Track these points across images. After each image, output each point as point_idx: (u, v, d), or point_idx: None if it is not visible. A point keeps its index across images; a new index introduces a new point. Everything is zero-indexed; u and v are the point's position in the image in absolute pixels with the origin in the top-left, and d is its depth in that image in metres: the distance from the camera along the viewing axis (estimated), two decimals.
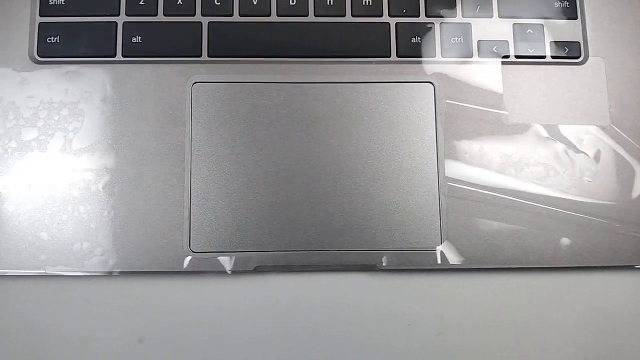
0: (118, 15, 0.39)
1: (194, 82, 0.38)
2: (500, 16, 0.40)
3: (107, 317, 0.37)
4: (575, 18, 0.40)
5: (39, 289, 0.37)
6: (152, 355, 0.36)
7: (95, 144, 0.37)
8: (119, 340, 0.36)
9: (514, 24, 0.40)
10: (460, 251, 0.37)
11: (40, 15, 0.39)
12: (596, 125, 0.39)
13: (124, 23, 0.39)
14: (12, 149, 0.37)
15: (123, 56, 0.38)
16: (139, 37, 0.38)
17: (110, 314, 0.37)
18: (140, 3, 0.39)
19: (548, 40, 0.40)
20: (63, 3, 0.39)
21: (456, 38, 0.39)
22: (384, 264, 0.37)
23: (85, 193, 0.37)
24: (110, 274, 0.36)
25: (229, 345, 0.36)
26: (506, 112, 0.39)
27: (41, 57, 0.38)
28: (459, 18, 0.40)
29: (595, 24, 0.40)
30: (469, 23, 0.40)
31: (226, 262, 0.36)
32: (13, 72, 0.38)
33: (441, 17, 0.40)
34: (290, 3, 0.39)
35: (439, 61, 0.39)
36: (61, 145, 0.37)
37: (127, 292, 0.37)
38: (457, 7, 0.40)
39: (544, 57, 0.39)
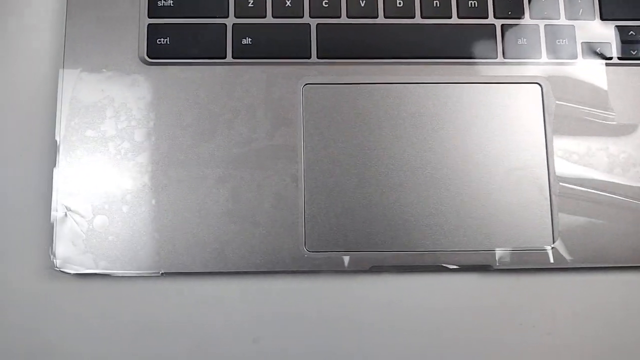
0: (227, 17, 0.39)
1: (304, 83, 0.38)
2: (602, 19, 0.40)
3: (223, 316, 0.37)
4: None
5: (157, 289, 0.37)
6: (266, 355, 0.36)
7: (206, 143, 0.37)
8: (234, 339, 0.36)
9: (616, 26, 0.40)
10: (570, 250, 0.37)
11: (149, 17, 0.39)
12: None
13: (234, 25, 0.39)
14: (125, 149, 0.37)
15: (233, 57, 0.39)
16: (249, 39, 0.39)
17: (226, 313, 0.37)
18: (250, 5, 0.39)
19: None
20: (172, 4, 0.39)
21: (561, 40, 0.40)
22: (497, 264, 0.37)
23: (199, 194, 0.37)
24: (226, 273, 0.37)
25: (345, 343, 0.37)
26: (612, 113, 0.39)
27: (151, 58, 0.38)
28: (562, 20, 0.40)
29: None
30: (573, 25, 0.40)
31: (342, 261, 0.37)
32: (123, 73, 0.38)
33: (545, 19, 0.40)
34: (398, 5, 0.39)
35: (544, 62, 0.39)
36: (173, 143, 0.37)
37: (243, 291, 0.37)
38: (560, 9, 0.40)
39: None
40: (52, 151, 0.37)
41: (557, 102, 0.39)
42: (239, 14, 0.39)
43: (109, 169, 0.37)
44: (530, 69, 0.39)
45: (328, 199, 0.37)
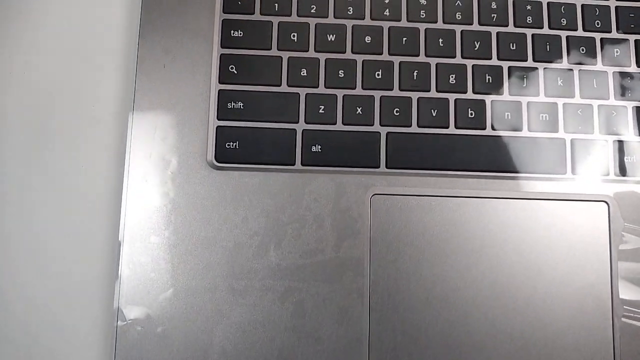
0: (297, 122, 0.38)
1: (372, 194, 0.38)
2: None
3: None
4: None
5: None
6: None
7: (271, 252, 0.37)
8: None
9: None
10: None
11: (219, 119, 0.38)
12: None
13: (304, 131, 0.38)
14: (189, 257, 0.37)
15: (302, 164, 0.38)
16: (319, 147, 0.38)
17: None
18: (320, 111, 0.38)
19: None
20: (242, 107, 0.38)
21: (630, 157, 0.40)
22: None
23: (264, 307, 0.36)
24: None
25: None
26: None
27: (219, 162, 0.38)
28: (631, 136, 0.40)
29: None
30: None
31: None
32: (190, 177, 0.37)
33: (615, 134, 0.40)
34: (469, 115, 0.39)
35: (613, 179, 0.39)
36: (238, 251, 0.37)
37: None
38: (629, 125, 0.40)
39: None
40: (114, 257, 0.36)
41: (626, 224, 0.38)
42: (310, 120, 0.38)
43: (172, 277, 0.36)
44: (598, 186, 0.39)
45: (394, 317, 0.37)
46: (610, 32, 0.41)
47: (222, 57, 0.39)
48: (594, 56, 0.40)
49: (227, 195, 0.37)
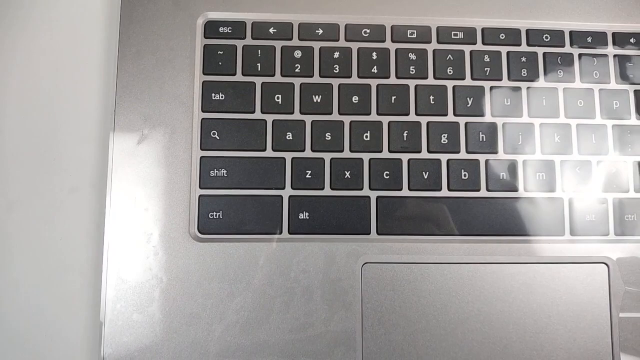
0: (283, 188, 0.37)
1: (363, 262, 0.36)
2: None
3: None
4: None
5: None
6: None
7: (258, 328, 0.35)
8: None
9: None
10: None
11: (201, 188, 0.36)
12: None
13: (290, 197, 0.37)
14: (174, 335, 0.35)
15: (289, 233, 0.36)
16: (306, 214, 0.36)
17: None
18: (307, 176, 0.37)
19: None
20: (225, 174, 0.37)
21: (630, 215, 0.38)
22: None
23: None
24: None
25: None
26: None
27: (202, 233, 0.36)
28: (631, 193, 0.38)
29: None
30: None
31: None
32: (173, 250, 0.36)
33: (614, 192, 0.38)
34: (463, 177, 0.37)
35: (613, 239, 0.38)
36: (225, 327, 0.35)
37: None
38: (630, 181, 0.38)
39: None
40: (96, 335, 0.35)
41: (626, 287, 0.37)
42: (296, 186, 0.37)
43: (156, 356, 0.35)
44: (597, 247, 0.38)
45: None
46: (608, 83, 0.39)
47: (203, 122, 0.37)
48: (592, 109, 0.39)
49: (212, 268, 0.36)
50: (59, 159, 0.38)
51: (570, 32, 0.39)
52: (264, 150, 0.37)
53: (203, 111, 0.37)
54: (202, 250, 0.36)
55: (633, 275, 0.37)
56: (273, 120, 0.37)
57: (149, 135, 0.36)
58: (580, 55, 0.39)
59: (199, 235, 0.36)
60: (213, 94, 0.37)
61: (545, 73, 0.39)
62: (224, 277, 0.36)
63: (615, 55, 0.39)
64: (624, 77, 0.39)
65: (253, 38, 0.38)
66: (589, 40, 0.39)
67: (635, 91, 0.39)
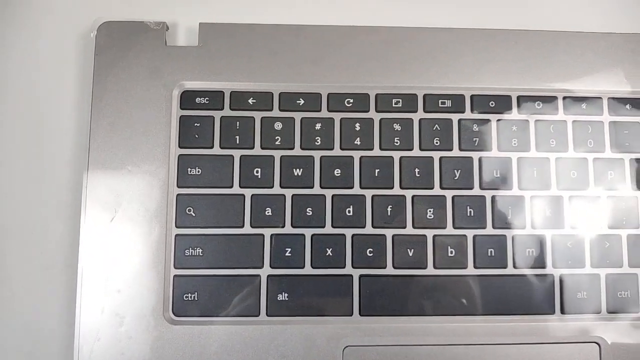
0: (262, 267, 0.35)
1: (345, 346, 0.35)
2: None
3: None
4: None
5: None
6: None
7: None
8: None
9: None
10: None
11: (175, 268, 0.35)
12: None
13: (269, 277, 0.35)
14: None
15: (267, 315, 0.35)
16: (285, 294, 0.35)
17: None
18: (287, 254, 0.35)
19: None
20: (201, 253, 0.35)
21: (623, 292, 0.37)
22: None
23: None
24: None
25: None
26: None
27: (177, 316, 0.35)
28: (625, 268, 0.37)
29: None
30: (636, 274, 0.37)
31: None
32: (146, 333, 0.34)
33: (607, 267, 0.37)
34: (449, 254, 0.36)
35: (605, 317, 0.36)
36: None
37: None
38: (623, 258, 0.37)
39: None
40: None
41: None
42: (275, 264, 0.35)
43: None
44: (589, 326, 0.36)
45: None
46: (603, 151, 0.38)
47: (179, 198, 0.35)
48: (586, 181, 0.37)
49: (187, 353, 0.34)
50: (32, 235, 0.36)
51: (564, 98, 0.38)
52: (242, 226, 0.35)
53: (179, 187, 0.36)
54: (177, 333, 0.35)
55: (626, 355, 0.36)
56: (252, 195, 0.36)
57: (122, 212, 0.35)
58: (573, 124, 0.38)
59: (174, 317, 0.35)
60: (189, 169, 0.36)
61: (536, 143, 0.37)
62: None
63: (609, 123, 0.38)
64: (617, 145, 0.38)
65: (231, 109, 0.36)
66: (583, 107, 0.38)
67: (631, 159, 0.38)
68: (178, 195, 0.35)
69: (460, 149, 0.37)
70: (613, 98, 0.38)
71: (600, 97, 0.38)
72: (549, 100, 0.38)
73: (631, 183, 0.37)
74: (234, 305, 0.35)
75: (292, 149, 0.36)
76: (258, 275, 0.35)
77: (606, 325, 0.36)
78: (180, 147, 0.36)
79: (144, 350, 0.34)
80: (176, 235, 0.35)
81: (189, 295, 0.35)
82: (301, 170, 0.36)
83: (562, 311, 0.36)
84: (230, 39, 0.37)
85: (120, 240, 0.35)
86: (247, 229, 0.35)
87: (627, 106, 0.38)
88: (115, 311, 0.34)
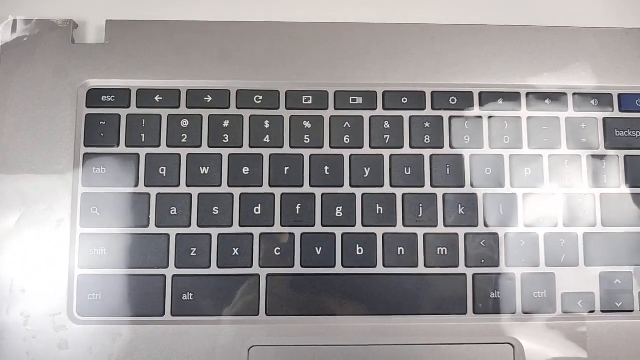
0: (167, 267, 0.35)
1: (250, 346, 0.35)
2: (586, 264, 0.36)
3: None
4: None
5: None
6: None
7: None
8: None
9: (600, 273, 0.36)
10: None
11: (80, 267, 0.35)
12: None
13: (174, 277, 0.35)
14: None
15: (172, 315, 0.35)
16: (190, 294, 0.35)
17: None
18: (192, 254, 0.35)
19: (636, 290, 0.36)
20: (105, 253, 0.35)
21: (538, 292, 0.36)
22: None
23: None
24: None
25: None
26: None
27: (82, 315, 0.34)
28: (542, 267, 0.36)
29: None
30: (553, 273, 0.36)
31: None
32: (50, 333, 0.34)
33: (523, 266, 0.36)
34: (358, 252, 0.35)
35: (519, 318, 0.36)
36: None
37: None
38: (540, 257, 0.36)
39: (631, 310, 0.36)
40: None
41: None
42: (180, 264, 0.35)
43: None
44: (503, 327, 0.35)
45: None
46: (521, 148, 0.37)
47: (83, 197, 0.35)
48: (503, 177, 0.36)
49: (92, 353, 0.34)
50: None
51: (480, 94, 0.37)
52: (147, 226, 0.35)
53: (83, 186, 0.35)
54: (81, 333, 0.34)
55: (540, 356, 0.35)
56: (157, 194, 0.35)
57: (27, 212, 0.35)
58: (490, 119, 0.37)
59: (78, 317, 0.34)
60: (94, 168, 0.35)
61: (450, 138, 0.37)
62: None
63: (566, 125, 0.37)
64: (535, 144, 0.37)
65: (138, 106, 0.36)
66: (500, 103, 0.37)
67: (548, 155, 0.37)
68: (83, 194, 0.35)
69: (371, 147, 0.36)
70: (578, 94, 0.37)
71: (519, 92, 0.37)
72: (465, 95, 0.37)
73: (549, 181, 0.37)
74: (139, 305, 0.35)
75: (199, 146, 0.36)
76: (163, 275, 0.35)
77: (521, 326, 0.35)
78: (85, 146, 0.36)
79: (48, 350, 0.34)
80: (80, 235, 0.35)
81: (93, 295, 0.35)
82: (208, 168, 0.36)
83: (475, 311, 0.35)
84: (138, 36, 0.36)
85: (25, 240, 0.35)
86: (152, 229, 0.35)
87: (593, 101, 0.37)
88: (20, 311, 0.34)
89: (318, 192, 0.36)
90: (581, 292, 0.36)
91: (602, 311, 0.36)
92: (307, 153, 0.36)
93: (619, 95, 0.38)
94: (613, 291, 0.36)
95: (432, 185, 0.36)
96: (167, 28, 0.37)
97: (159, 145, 0.36)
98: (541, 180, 0.36)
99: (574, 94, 0.37)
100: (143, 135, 0.36)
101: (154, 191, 0.35)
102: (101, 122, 0.36)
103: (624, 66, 0.38)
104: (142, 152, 0.36)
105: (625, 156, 0.37)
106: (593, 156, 0.37)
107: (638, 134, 0.37)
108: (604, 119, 0.37)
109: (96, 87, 0.36)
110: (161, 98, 0.36)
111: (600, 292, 0.36)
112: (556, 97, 0.37)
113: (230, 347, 0.34)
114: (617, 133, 0.37)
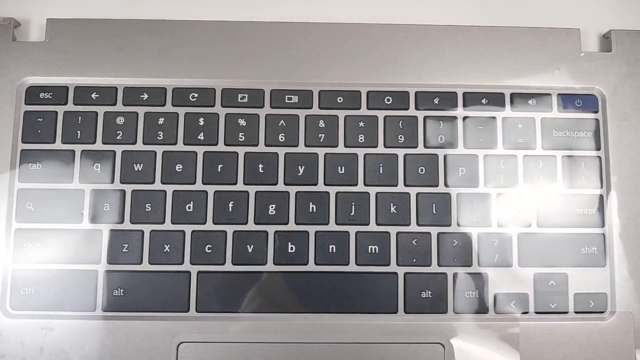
0: (99, 263, 0.35)
1: (179, 342, 0.35)
2: (520, 265, 0.36)
3: None
4: (603, 265, 0.36)
5: None
6: None
7: None
8: None
9: (535, 274, 0.36)
10: None
11: (15, 262, 0.35)
12: None
13: (106, 272, 0.35)
14: None
15: (103, 310, 0.35)
16: (121, 290, 0.35)
17: None
18: (124, 250, 0.35)
19: (572, 292, 0.36)
20: (39, 247, 0.35)
21: (470, 292, 0.36)
22: None
23: None
24: None
25: None
26: None
27: (15, 309, 0.35)
28: (474, 267, 0.36)
29: (621, 273, 0.36)
30: (486, 273, 0.36)
31: None
32: None
33: (455, 266, 0.36)
34: (289, 250, 0.36)
35: (450, 318, 0.36)
36: None
37: None
38: (473, 255, 0.36)
39: (566, 312, 0.36)
40: None
41: None
42: (112, 260, 0.35)
43: None
44: (434, 326, 0.35)
45: None
46: (456, 147, 0.37)
47: (19, 193, 0.36)
48: (436, 177, 0.36)
49: (24, 347, 0.35)
50: None
51: (416, 93, 0.37)
52: (81, 222, 0.35)
53: (20, 182, 0.36)
54: (14, 328, 0.35)
55: (471, 357, 0.35)
56: (91, 190, 0.36)
57: None
58: (425, 119, 0.37)
59: (11, 311, 0.35)
60: (30, 164, 0.36)
61: (385, 138, 0.37)
62: (36, 357, 0.34)
63: (463, 124, 0.37)
64: (472, 141, 0.37)
65: (75, 104, 0.36)
66: (436, 102, 0.37)
67: (485, 156, 0.37)
68: (19, 190, 0.36)
69: (306, 145, 0.36)
70: (516, 94, 0.37)
71: (455, 92, 0.37)
72: (400, 95, 0.37)
73: (484, 181, 0.37)
74: (71, 300, 0.35)
75: (134, 143, 0.36)
76: (95, 271, 0.35)
77: (452, 326, 0.35)
78: (23, 142, 0.36)
79: None
80: (16, 230, 0.35)
81: (27, 289, 0.35)
82: (142, 165, 0.36)
83: (405, 310, 0.35)
84: (78, 34, 0.37)
85: None
86: (86, 224, 0.35)
87: (531, 102, 0.37)
88: None
89: (252, 189, 0.36)
90: (514, 292, 0.36)
91: (536, 312, 0.36)
92: (241, 151, 0.36)
93: (559, 96, 0.37)
94: (547, 292, 0.36)
95: (365, 184, 0.36)
96: (107, 26, 0.37)
97: (94, 142, 0.36)
98: (476, 180, 0.36)
99: (512, 93, 0.37)
100: (79, 132, 0.36)
101: (88, 187, 0.36)
102: (38, 119, 0.36)
103: (565, 66, 0.37)
104: (78, 148, 0.36)
105: (563, 157, 0.37)
106: (530, 156, 0.37)
107: (576, 134, 0.37)
108: (542, 119, 0.37)
109: (35, 84, 0.37)
110: (98, 95, 0.36)
111: (534, 293, 0.36)
112: (493, 97, 0.37)
113: (159, 343, 0.35)
114: (555, 133, 0.37)
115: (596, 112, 0.37)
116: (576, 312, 0.36)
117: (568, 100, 0.37)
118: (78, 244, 0.35)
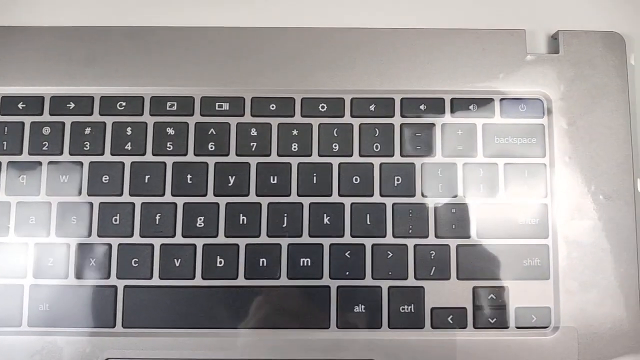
0: (25, 277, 0.35)
1: (105, 358, 0.34)
2: (459, 278, 0.35)
3: None
4: (547, 278, 0.35)
5: None
6: None
7: None
8: None
9: (474, 287, 0.35)
10: None
11: None
12: None
13: (31, 286, 0.34)
14: None
15: (29, 326, 0.34)
16: (47, 305, 0.34)
17: None
18: (49, 264, 0.34)
19: (513, 306, 0.35)
20: None
21: (406, 306, 0.34)
22: None
23: None
24: None
25: None
26: None
27: None
28: (410, 280, 0.35)
29: (566, 286, 0.35)
30: (422, 287, 0.35)
31: None
32: None
33: (390, 279, 0.35)
34: (218, 264, 0.35)
35: (384, 332, 0.34)
36: None
37: None
38: (409, 268, 0.35)
39: (506, 327, 0.34)
40: None
41: None
42: (38, 274, 0.35)
43: None
44: (367, 342, 0.34)
45: None
46: (392, 156, 0.35)
47: None
48: (371, 186, 0.35)
49: None
50: None
51: (352, 100, 0.36)
52: (7, 235, 0.35)
53: None
54: None
55: None
56: (17, 203, 0.35)
57: None
58: (360, 126, 0.36)
59: None
60: None
61: (319, 146, 0.35)
62: None
63: (402, 125, 0.36)
64: (409, 149, 0.35)
65: (1, 114, 0.36)
66: (372, 109, 0.36)
67: (422, 164, 0.35)
68: None
69: (237, 154, 0.35)
70: (456, 99, 0.36)
71: (393, 98, 0.36)
72: (336, 102, 0.36)
73: (420, 191, 0.35)
74: None
75: (60, 154, 0.35)
76: (21, 285, 0.35)
77: (385, 341, 0.34)
78: None
79: None
80: None
81: None
82: (67, 176, 0.35)
83: (338, 324, 0.34)
84: (4, 42, 0.36)
85: None
86: (12, 238, 0.35)
87: (472, 107, 0.36)
88: None
89: (180, 201, 0.35)
90: (452, 306, 0.35)
91: (475, 327, 0.34)
92: (169, 160, 0.35)
93: (501, 100, 0.36)
94: (487, 306, 0.34)
95: (298, 195, 0.35)
96: (33, 34, 0.36)
97: (20, 153, 0.35)
98: (412, 189, 0.35)
99: (452, 99, 0.36)
100: (5, 142, 0.35)
101: (14, 200, 0.35)
102: None
103: (509, 69, 0.36)
104: (4, 160, 0.35)
105: (506, 164, 0.35)
106: (470, 164, 0.35)
107: (520, 140, 0.36)
108: (484, 125, 0.36)
109: None
110: (24, 105, 0.36)
111: (473, 307, 0.34)
112: (432, 103, 0.36)
113: (85, 359, 0.34)
114: (497, 140, 0.36)
115: (541, 117, 0.36)
116: (517, 327, 0.34)
117: (511, 105, 0.36)
118: (4, 257, 0.35)
